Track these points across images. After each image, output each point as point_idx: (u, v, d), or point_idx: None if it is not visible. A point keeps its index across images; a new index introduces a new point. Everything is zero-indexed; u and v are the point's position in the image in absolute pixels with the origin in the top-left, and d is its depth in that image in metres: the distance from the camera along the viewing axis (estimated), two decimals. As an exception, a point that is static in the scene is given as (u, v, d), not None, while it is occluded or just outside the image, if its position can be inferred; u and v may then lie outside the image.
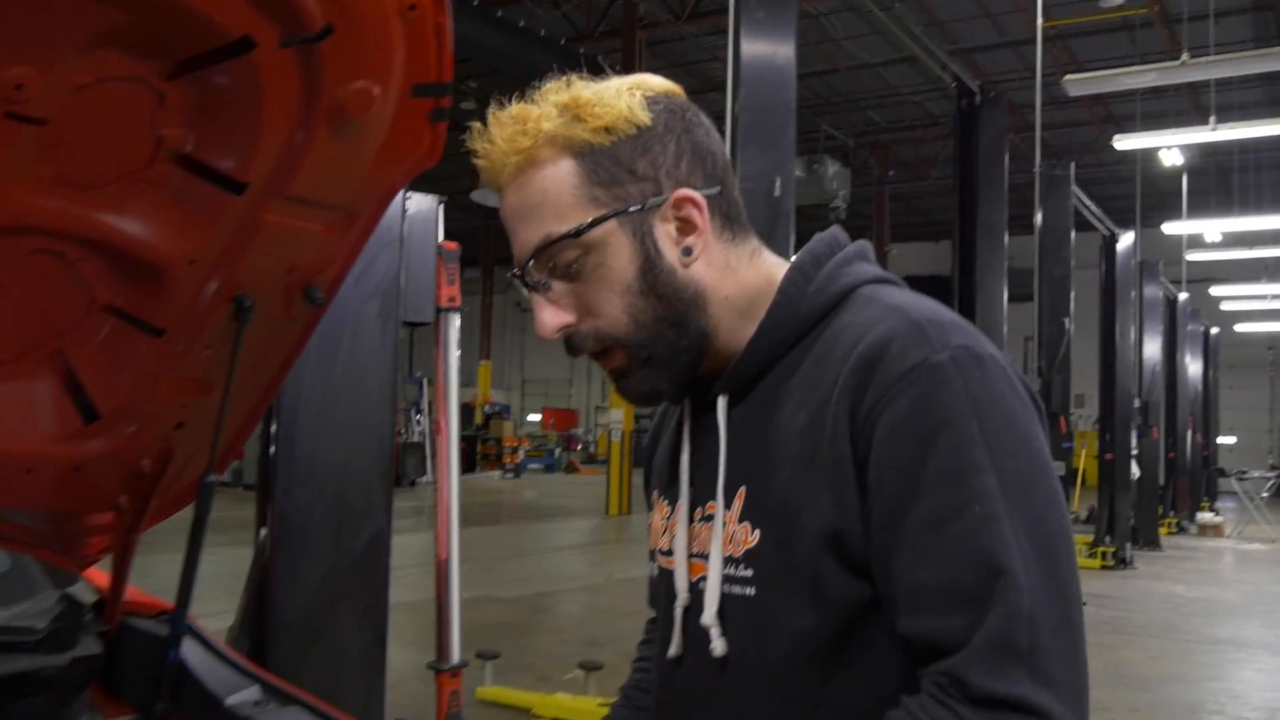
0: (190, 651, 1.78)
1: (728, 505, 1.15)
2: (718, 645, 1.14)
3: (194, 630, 1.81)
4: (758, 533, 1.12)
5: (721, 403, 1.17)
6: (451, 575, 3.33)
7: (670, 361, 1.16)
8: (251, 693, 1.74)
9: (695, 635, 1.18)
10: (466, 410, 27.26)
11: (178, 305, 1.54)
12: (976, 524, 1.00)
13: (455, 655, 3.37)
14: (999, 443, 1.02)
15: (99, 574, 2.04)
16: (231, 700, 1.71)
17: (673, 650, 1.22)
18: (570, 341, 1.17)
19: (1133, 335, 14.39)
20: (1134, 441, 14.09)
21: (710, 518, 1.18)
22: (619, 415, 18.62)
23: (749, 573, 1.12)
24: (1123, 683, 7.27)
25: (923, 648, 1.03)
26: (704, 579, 1.17)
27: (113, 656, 1.81)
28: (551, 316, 1.15)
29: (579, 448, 32.98)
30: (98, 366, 1.59)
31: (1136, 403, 14.59)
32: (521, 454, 27.66)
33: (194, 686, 1.75)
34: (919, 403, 1.02)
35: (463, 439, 23.03)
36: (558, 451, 31.69)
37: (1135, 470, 14.04)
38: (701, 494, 1.21)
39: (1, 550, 1.99)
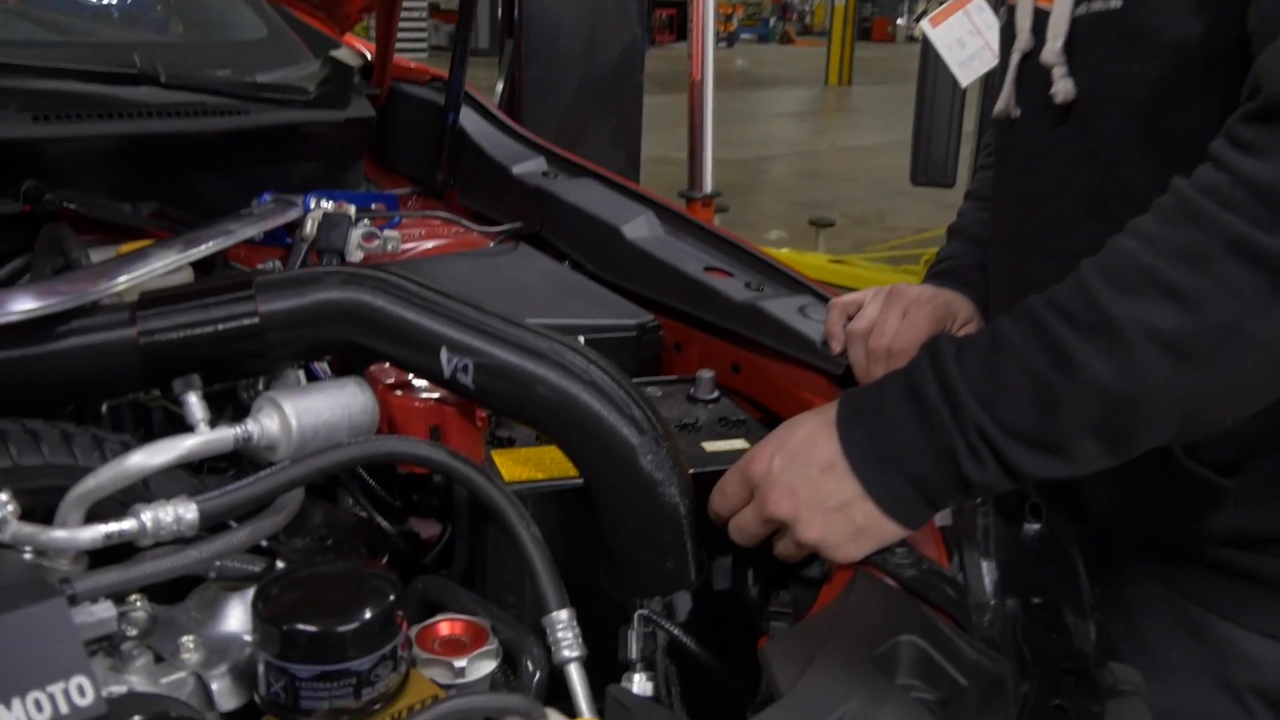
0: (469, 120, 1.61)
1: None
2: (1061, 88, 0.91)
3: (472, 97, 1.62)
4: None
5: None
6: (705, 97, 3.05)
7: None
8: (538, 163, 1.57)
9: (1035, 83, 0.94)
10: (676, -27, 25.95)
11: None
12: None
13: (708, 184, 3.18)
14: None
15: (360, 42, 1.85)
16: (518, 170, 1.55)
17: (1001, 104, 1.01)
18: None
19: None
20: None
21: None
22: (844, -23, 17.19)
23: None
24: None
25: None
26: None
27: (385, 125, 1.66)
28: None
29: (794, 17, 31.25)
30: None
31: None
32: (735, 22, 26.45)
33: (475, 155, 1.59)
34: None
35: (673, 5, 22.06)
36: (772, 21, 30.14)
37: None
38: None
39: (258, 16, 1.82)
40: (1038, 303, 0.79)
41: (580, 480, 1.02)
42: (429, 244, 1.42)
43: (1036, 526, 0.99)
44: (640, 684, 0.88)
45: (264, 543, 0.89)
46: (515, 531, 0.92)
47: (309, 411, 0.93)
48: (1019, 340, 0.79)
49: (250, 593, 0.84)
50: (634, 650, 0.89)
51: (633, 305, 1.33)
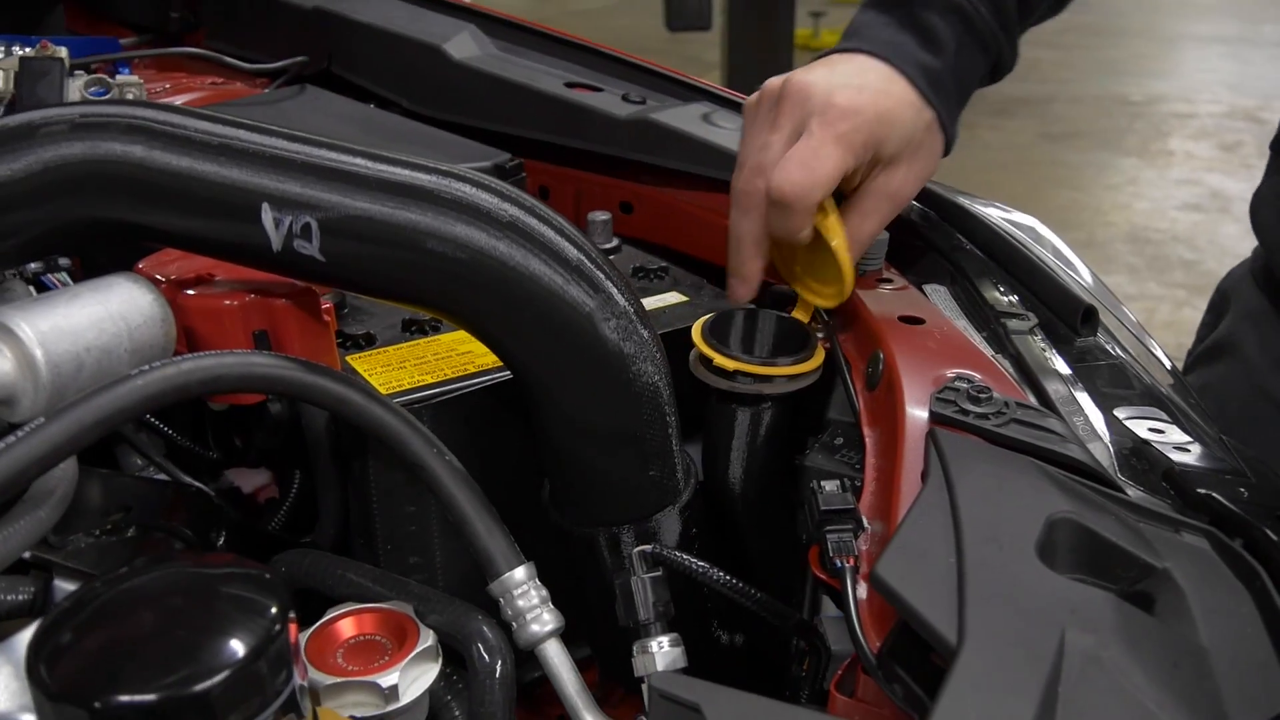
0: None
1: None
2: None
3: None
4: None
5: None
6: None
7: None
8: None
9: None
10: None
11: None
12: None
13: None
14: None
15: None
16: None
17: None
18: None
19: None
20: None
21: None
22: None
23: None
24: (1114, 80, 7.12)
25: None
26: None
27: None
28: None
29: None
30: None
31: None
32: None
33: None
34: None
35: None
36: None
37: None
38: None
39: None
40: None
41: (495, 375, 0.73)
42: (181, 98, 1.03)
43: (1093, 339, 0.77)
44: (669, 654, 0.61)
45: (28, 554, 0.55)
46: (424, 465, 0.61)
47: (61, 333, 0.57)
48: None
49: (20, 641, 0.50)
50: (645, 607, 0.61)
51: (477, 144, 1.00)
